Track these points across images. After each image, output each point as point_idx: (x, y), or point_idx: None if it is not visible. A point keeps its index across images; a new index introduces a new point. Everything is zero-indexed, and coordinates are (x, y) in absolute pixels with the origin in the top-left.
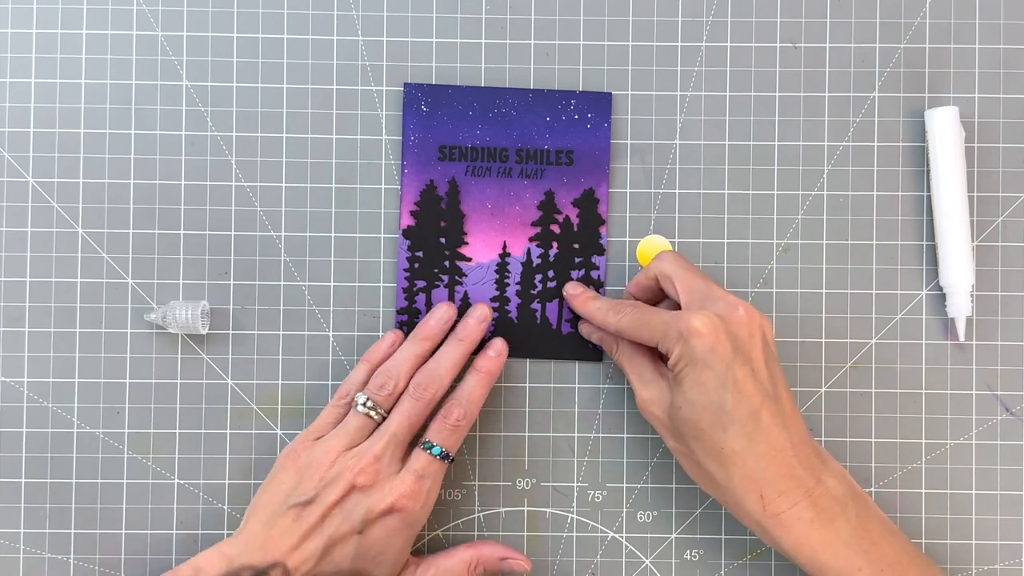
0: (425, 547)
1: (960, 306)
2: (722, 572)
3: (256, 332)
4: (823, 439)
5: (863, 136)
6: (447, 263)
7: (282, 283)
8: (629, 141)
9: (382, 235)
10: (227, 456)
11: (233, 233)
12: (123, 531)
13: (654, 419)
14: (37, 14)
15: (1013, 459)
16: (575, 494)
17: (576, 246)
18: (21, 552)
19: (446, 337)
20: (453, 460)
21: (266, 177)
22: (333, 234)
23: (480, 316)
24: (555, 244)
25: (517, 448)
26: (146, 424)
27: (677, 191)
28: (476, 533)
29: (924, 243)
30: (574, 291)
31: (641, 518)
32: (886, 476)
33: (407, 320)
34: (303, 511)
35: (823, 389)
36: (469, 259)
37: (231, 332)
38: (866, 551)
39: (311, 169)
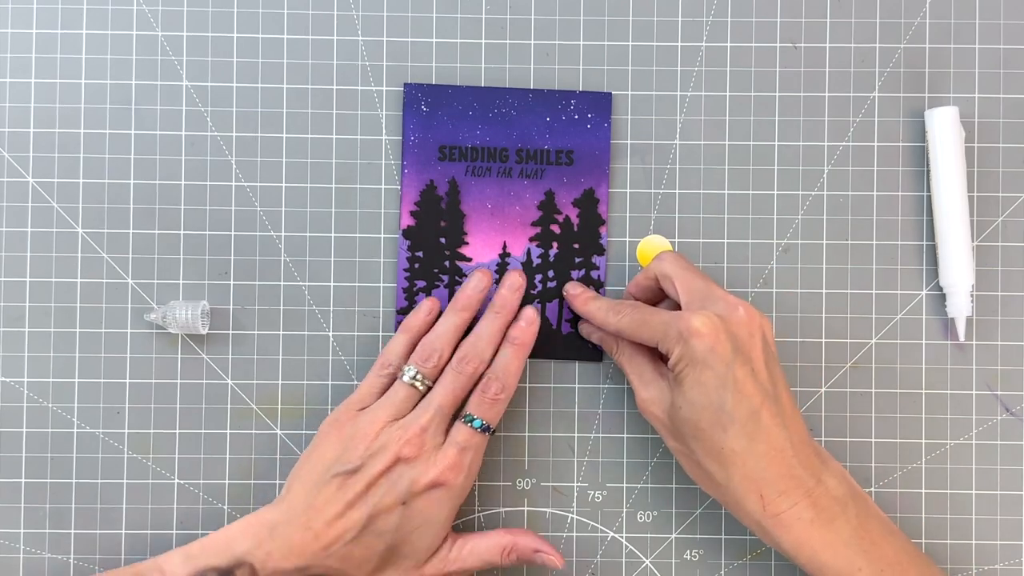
0: None
1: (960, 306)
2: (722, 572)
3: (256, 332)
4: (823, 439)
5: (863, 136)
6: (447, 263)
7: (282, 283)
8: (629, 141)
9: (382, 235)
10: (227, 456)
11: (233, 233)
12: (123, 531)
13: (654, 419)
14: (37, 14)
15: (1013, 459)
16: (575, 494)
17: (576, 246)
18: (21, 552)
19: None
20: (494, 432)
21: (266, 177)
22: (333, 234)
23: (511, 285)
24: (555, 244)
25: (517, 448)
26: (146, 424)
27: (677, 191)
28: None
29: (924, 243)
30: (574, 291)
31: (641, 518)
32: (886, 476)
33: None
34: (347, 480)
35: (823, 389)
36: (469, 259)
37: (231, 332)
38: (866, 551)
39: (311, 169)
